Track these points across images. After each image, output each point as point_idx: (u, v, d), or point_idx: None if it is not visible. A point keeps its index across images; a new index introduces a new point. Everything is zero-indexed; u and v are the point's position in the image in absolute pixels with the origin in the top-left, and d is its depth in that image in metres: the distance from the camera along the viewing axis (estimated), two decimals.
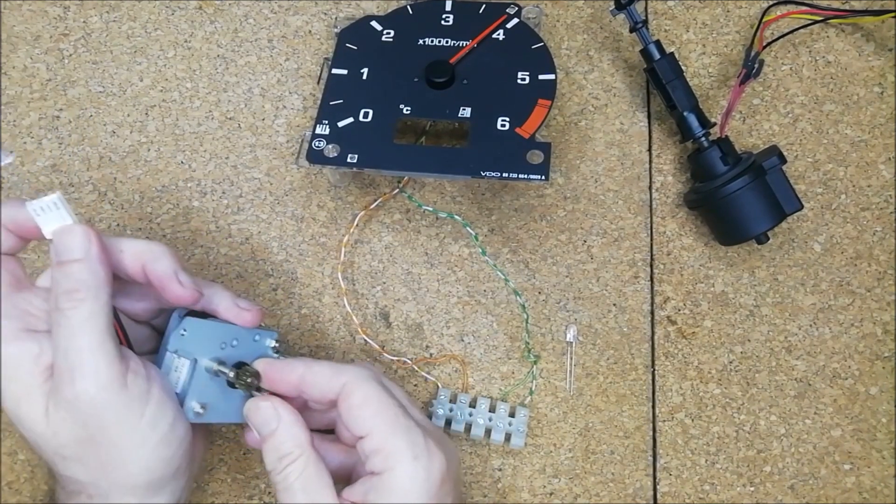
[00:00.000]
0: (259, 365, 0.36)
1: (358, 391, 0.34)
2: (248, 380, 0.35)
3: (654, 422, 0.44)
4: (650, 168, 0.46)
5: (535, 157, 0.38)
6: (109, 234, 0.35)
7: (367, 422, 0.33)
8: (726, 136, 0.43)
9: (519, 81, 0.42)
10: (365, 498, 0.33)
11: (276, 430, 0.34)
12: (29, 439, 0.32)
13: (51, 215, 0.31)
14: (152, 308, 0.37)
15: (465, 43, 0.43)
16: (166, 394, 0.33)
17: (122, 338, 0.33)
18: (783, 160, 0.41)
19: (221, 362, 0.35)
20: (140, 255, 0.33)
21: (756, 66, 0.42)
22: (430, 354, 0.44)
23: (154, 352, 0.36)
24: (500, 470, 0.43)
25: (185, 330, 0.34)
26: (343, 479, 0.36)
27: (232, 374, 0.35)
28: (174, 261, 0.34)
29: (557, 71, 0.42)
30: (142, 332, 0.37)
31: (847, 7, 0.47)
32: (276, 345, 0.38)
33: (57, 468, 0.32)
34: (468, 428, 0.42)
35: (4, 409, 0.32)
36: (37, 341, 0.31)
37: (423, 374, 0.44)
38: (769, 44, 0.46)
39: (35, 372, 0.31)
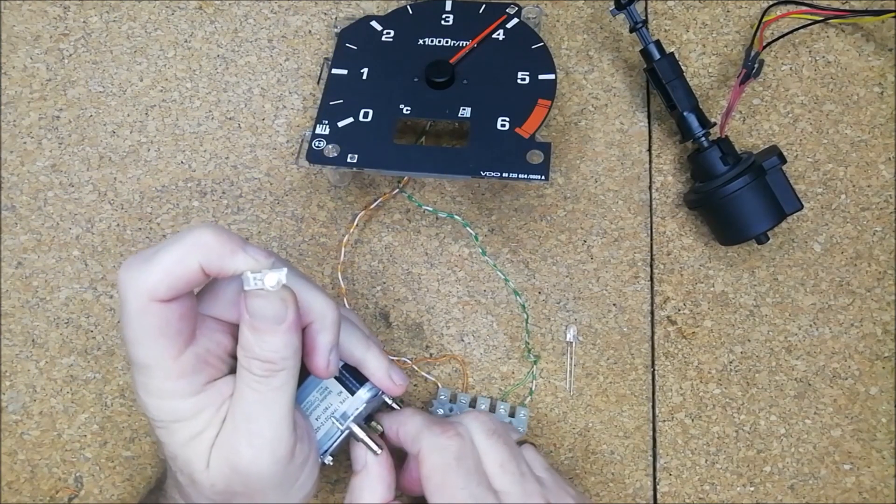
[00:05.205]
0: (383, 420, 0.37)
1: (425, 463, 0.34)
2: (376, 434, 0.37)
3: (654, 422, 0.44)
4: (650, 168, 0.46)
5: (535, 157, 0.38)
6: (295, 268, 0.33)
7: (428, 496, 0.34)
8: (726, 136, 0.43)
9: (519, 81, 0.42)
10: None
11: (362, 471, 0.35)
12: (180, 474, 0.32)
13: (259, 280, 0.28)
14: None
15: (465, 43, 0.43)
16: (316, 454, 0.34)
17: None
18: (783, 160, 0.41)
19: (366, 429, 0.36)
20: (308, 314, 0.31)
21: (756, 66, 0.42)
22: (430, 354, 0.44)
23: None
24: None
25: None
26: None
27: (378, 450, 0.35)
28: (334, 336, 0.32)
29: (557, 71, 0.42)
30: None
31: (847, 7, 0.47)
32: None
33: (199, 500, 0.33)
34: None
35: (166, 448, 0.31)
36: (218, 392, 0.31)
37: (423, 374, 0.44)
38: (769, 44, 0.46)
39: (214, 420, 0.31)
